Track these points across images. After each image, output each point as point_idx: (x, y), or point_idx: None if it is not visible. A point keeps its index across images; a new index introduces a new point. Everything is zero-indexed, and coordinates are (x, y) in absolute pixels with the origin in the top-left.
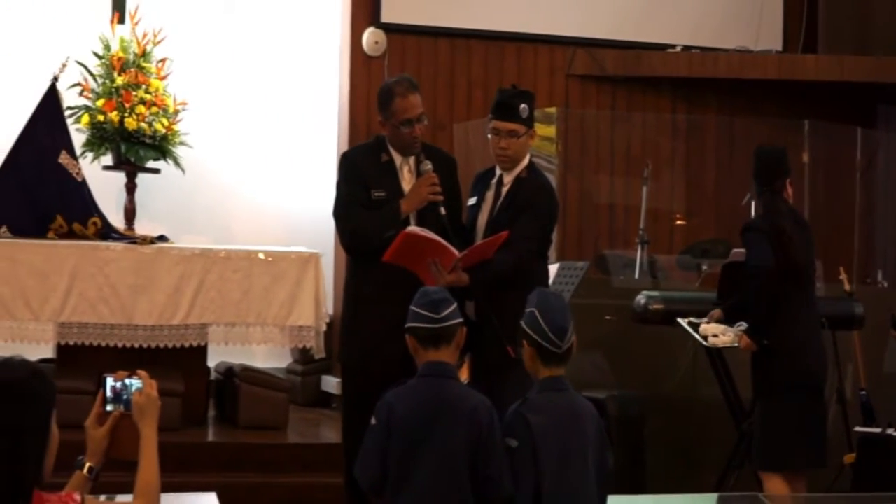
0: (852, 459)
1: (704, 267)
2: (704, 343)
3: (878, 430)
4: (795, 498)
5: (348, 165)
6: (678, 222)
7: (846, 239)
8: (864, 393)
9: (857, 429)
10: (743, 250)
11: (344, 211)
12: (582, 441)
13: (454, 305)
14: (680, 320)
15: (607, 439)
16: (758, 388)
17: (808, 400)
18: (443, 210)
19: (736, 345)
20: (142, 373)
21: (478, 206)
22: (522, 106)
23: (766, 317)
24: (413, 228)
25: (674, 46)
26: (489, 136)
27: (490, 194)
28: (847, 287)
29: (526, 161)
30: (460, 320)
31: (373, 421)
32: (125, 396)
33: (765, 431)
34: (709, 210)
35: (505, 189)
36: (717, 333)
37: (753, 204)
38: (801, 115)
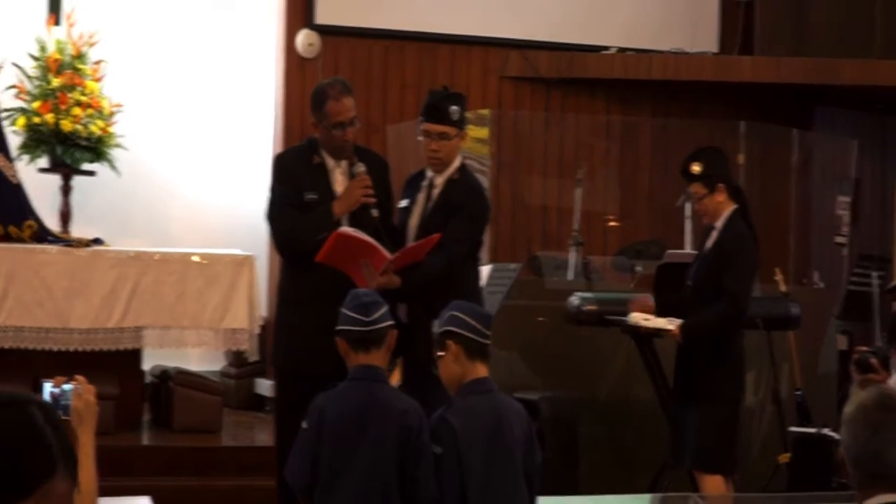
0: (787, 459)
1: (639, 268)
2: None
3: (813, 429)
4: (732, 498)
5: (280, 168)
6: (612, 224)
7: (782, 239)
8: (799, 393)
9: (793, 429)
10: (678, 251)
11: (276, 213)
12: (508, 443)
13: (385, 308)
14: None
15: (536, 439)
16: (698, 392)
17: (739, 407)
18: (375, 212)
19: (670, 328)
20: (80, 378)
21: (409, 208)
22: (453, 108)
23: (716, 337)
24: (345, 229)
25: (608, 48)
26: (420, 138)
27: (421, 196)
28: (783, 287)
29: (457, 163)
30: (391, 323)
31: (304, 424)
32: (63, 402)
33: (711, 434)
34: (643, 211)
35: (436, 191)
36: (648, 317)
37: (688, 205)
38: (736, 116)
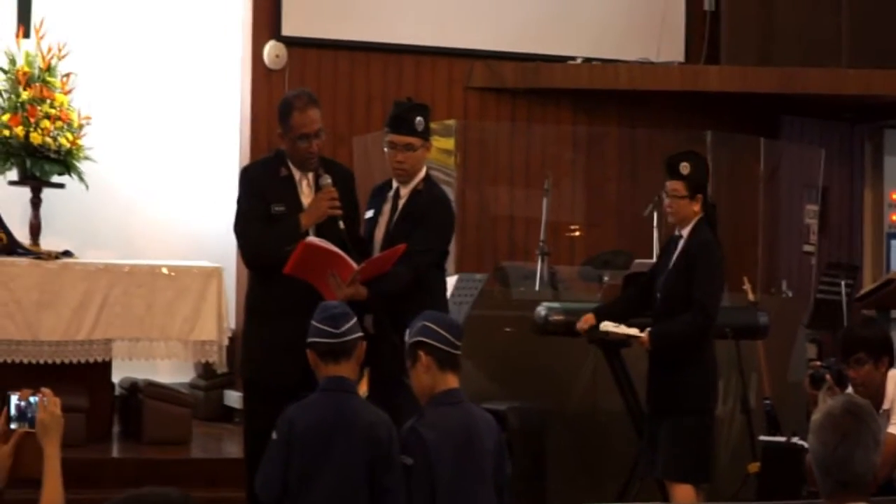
0: (757, 469)
1: (606, 278)
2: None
3: (782, 438)
4: None
5: (248, 180)
6: (579, 234)
7: (750, 249)
8: (768, 402)
9: (762, 438)
10: (645, 261)
11: (244, 226)
12: (479, 455)
13: (354, 320)
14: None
15: (506, 450)
16: (672, 402)
17: (712, 417)
18: (342, 224)
19: (639, 335)
20: (46, 390)
21: (375, 219)
22: (418, 119)
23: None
24: (313, 239)
25: (574, 58)
26: (386, 149)
27: (387, 207)
28: (751, 297)
29: (422, 174)
30: (360, 335)
31: (274, 435)
32: (30, 414)
33: (684, 443)
34: (610, 221)
35: (402, 202)
36: (617, 325)
37: (656, 215)
38: (703, 125)
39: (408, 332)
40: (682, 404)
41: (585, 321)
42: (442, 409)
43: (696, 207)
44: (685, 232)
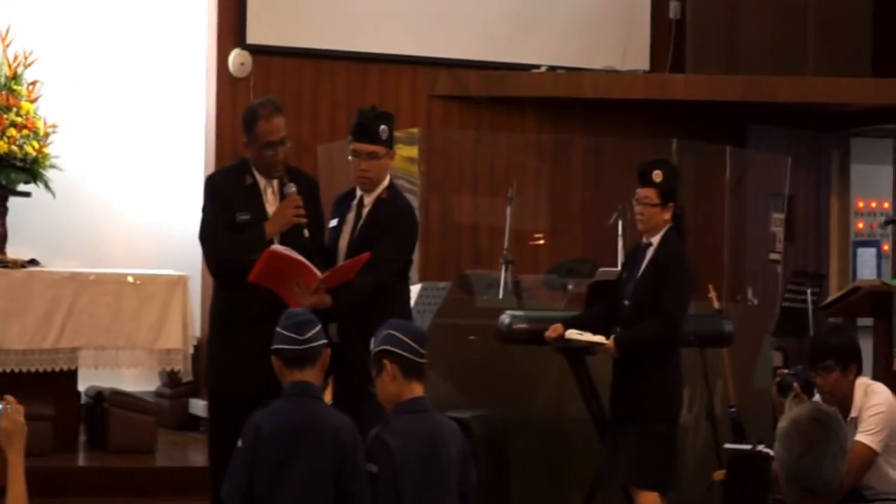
0: (722, 476)
1: (570, 286)
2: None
3: (748, 446)
4: None
5: (212, 189)
6: (543, 242)
7: (715, 257)
8: (733, 410)
9: (727, 445)
10: (610, 269)
11: (209, 234)
12: (443, 463)
13: (318, 327)
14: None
15: (471, 459)
16: (637, 410)
17: (677, 425)
18: (306, 232)
19: (603, 341)
20: (9, 398)
21: (339, 227)
22: (382, 127)
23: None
24: (277, 247)
25: (538, 66)
26: (350, 157)
27: (351, 216)
28: (716, 304)
29: (386, 182)
30: (325, 341)
31: (239, 443)
32: None
33: (650, 451)
34: (575, 230)
35: (366, 210)
36: (581, 332)
37: (620, 223)
38: (669, 134)
39: (373, 340)
40: (646, 412)
41: (554, 330)
42: (407, 418)
43: (667, 216)
44: (655, 240)
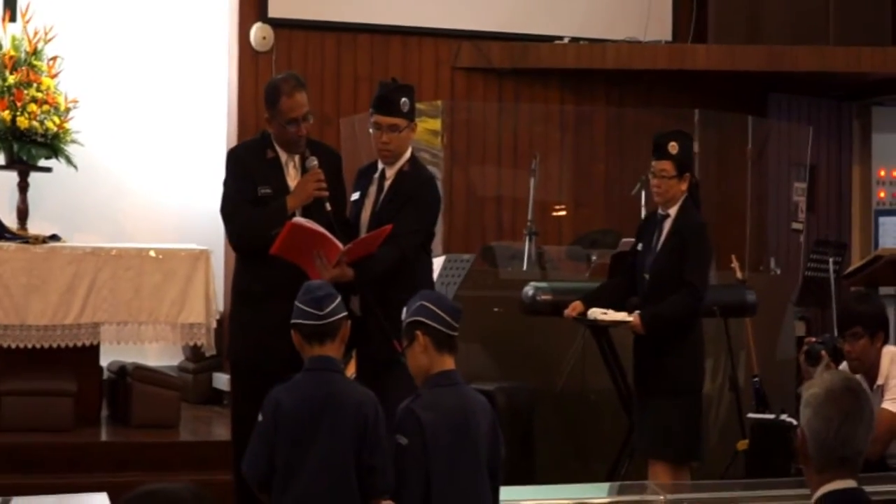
0: (745, 446)
1: (594, 257)
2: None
3: (771, 416)
4: (692, 485)
5: (234, 162)
6: (566, 213)
7: (738, 227)
8: (756, 380)
9: (750, 415)
10: (632, 240)
11: (230, 209)
12: (474, 437)
13: (338, 300)
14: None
15: (500, 433)
16: (660, 382)
17: (700, 396)
18: (328, 206)
19: (629, 319)
20: None
21: (361, 200)
22: (403, 100)
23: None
24: (299, 219)
25: (561, 38)
26: (371, 130)
27: (373, 189)
28: (739, 275)
29: (408, 154)
30: (344, 314)
31: (260, 417)
32: None
33: (674, 423)
34: (598, 201)
35: (387, 183)
36: (606, 311)
37: (644, 194)
38: (691, 104)
39: (404, 311)
40: (669, 385)
41: (573, 308)
42: (438, 391)
43: (684, 187)
44: (672, 212)
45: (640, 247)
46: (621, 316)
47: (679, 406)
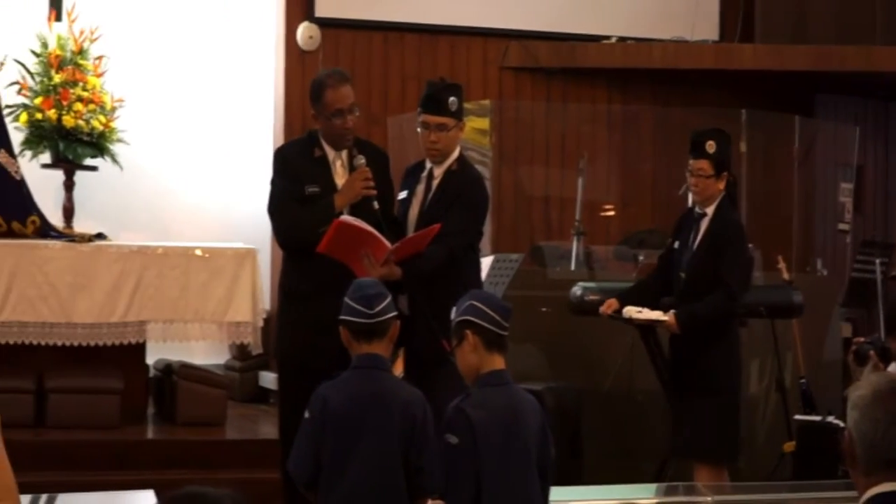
0: (792, 447)
1: (641, 257)
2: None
3: (817, 417)
4: (739, 486)
5: (281, 161)
6: (614, 213)
7: (785, 227)
8: (803, 381)
9: (797, 417)
10: None
11: (278, 207)
12: (524, 437)
13: (388, 299)
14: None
15: (549, 433)
16: (696, 383)
17: (737, 397)
18: (376, 204)
19: (664, 318)
20: None
21: (408, 199)
22: (451, 99)
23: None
24: (347, 217)
25: (609, 37)
26: (419, 129)
27: (421, 188)
28: (786, 275)
29: (456, 154)
30: (394, 314)
31: (306, 414)
32: None
33: (711, 424)
34: (645, 200)
35: (435, 182)
36: (640, 310)
37: (690, 194)
38: (738, 104)
39: (454, 310)
40: (705, 385)
41: (608, 306)
42: (488, 390)
43: (721, 186)
44: (709, 210)
45: (676, 244)
46: (656, 315)
47: (714, 407)
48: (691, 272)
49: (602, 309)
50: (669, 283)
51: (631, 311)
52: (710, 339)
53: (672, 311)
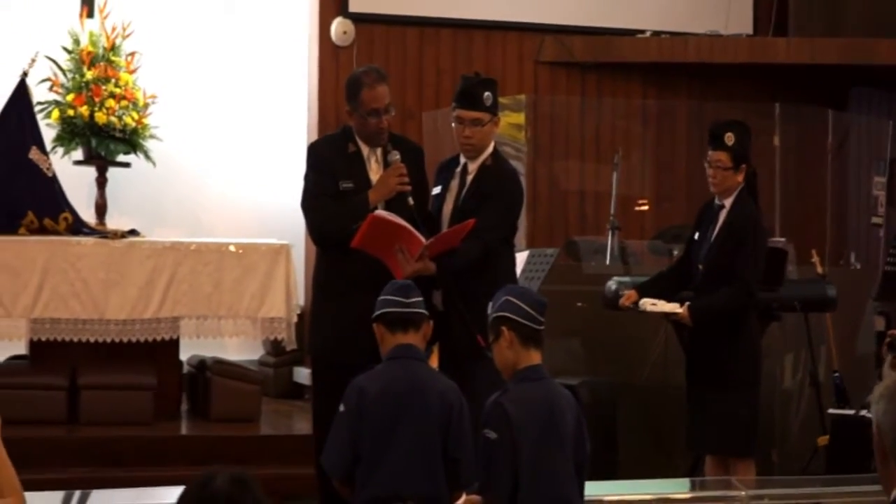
0: (826, 441)
1: (676, 252)
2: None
3: (851, 411)
4: (772, 481)
5: (315, 156)
6: (648, 208)
7: (818, 221)
8: (837, 375)
9: (831, 411)
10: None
11: (311, 203)
12: (561, 432)
13: (421, 297)
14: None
15: (586, 428)
16: (716, 378)
17: (758, 390)
18: (411, 200)
19: (678, 311)
20: None
21: (442, 195)
22: (486, 94)
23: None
24: (381, 212)
25: (643, 32)
26: (453, 124)
27: (455, 183)
28: (819, 269)
29: (490, 149)
30: (427, 313)
31: (341, 407)
32: None
33: (732, 419)
34: (680, 195)
35: (470, 177)
36: (655, 302)
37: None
38: (772, 98)
39: (490, 305)
40: (721, 379)
41: (628, 297)
42: (525, 385)
43: (740, 178)
44: (727, 202)
45: (696, 236)
46: (670, 307)
47: (731, 401)
48: (708, 265)
49: (622, 301)
50: (689, 275)
51: (646, 304)
52: (725, 332)
53: (686, 304)
